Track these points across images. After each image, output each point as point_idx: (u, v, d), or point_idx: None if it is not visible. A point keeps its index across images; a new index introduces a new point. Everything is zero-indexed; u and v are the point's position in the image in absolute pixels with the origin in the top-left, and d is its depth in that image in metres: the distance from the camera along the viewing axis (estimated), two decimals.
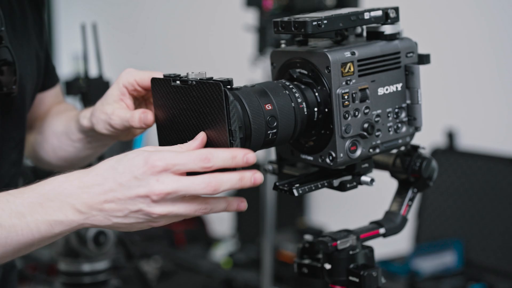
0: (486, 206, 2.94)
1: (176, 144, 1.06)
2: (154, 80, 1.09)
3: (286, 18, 1.11)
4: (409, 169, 1.24)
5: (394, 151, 1.26)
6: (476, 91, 3.07)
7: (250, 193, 3.72)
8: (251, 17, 2.80)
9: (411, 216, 3.13)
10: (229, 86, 0.99)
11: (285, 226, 3.49)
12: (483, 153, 2.97)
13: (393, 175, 1.28)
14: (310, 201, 3.68)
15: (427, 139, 3.11)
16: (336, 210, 3.53)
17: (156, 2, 4.41)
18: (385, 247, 3.20)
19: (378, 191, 3.29)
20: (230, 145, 0.98)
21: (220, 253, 3.75)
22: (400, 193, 1.28)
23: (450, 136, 3.08)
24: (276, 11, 2.56)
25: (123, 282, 2.63)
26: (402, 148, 1.26)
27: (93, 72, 1.76)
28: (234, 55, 3.46)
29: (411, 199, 1.27)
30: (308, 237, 1.27)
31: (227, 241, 3.86)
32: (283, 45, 1.19)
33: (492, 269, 2.87)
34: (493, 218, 2.91)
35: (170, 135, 1.08)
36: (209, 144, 1.01)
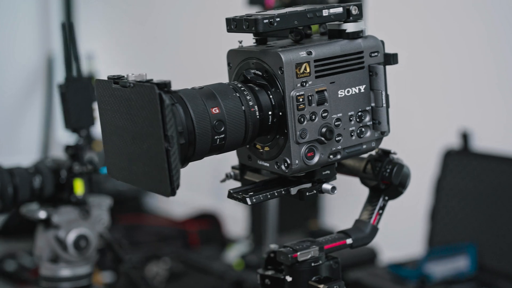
0: (501, 209, 2.84)
1: (120, 148, 1.01)
2: (98, 81, 1.04)
3: (238, 16, 1.05)
4: (379, 175, 1.17)
5: (366, 155, 1.19)
6: (491, 91, 2.98)
7: None
8: None
9: (424, 219, 3.05)
10: (166, 89, 0.93)
11: (297, 228, 3.42)
12: (498, 155, 2.87)
13: (363, 181, 1.21)
14: (324, 203, 3.60)
15: (440, 140, 3.03)
16: (350, 213, 3.44)
17: (161, 1, 4.39)
18: (397, 251, 3.12)
19: None
20: (167, 151, 0.92)
21: (233, 254, 3.70)
22: (371, 201, 1.21)
23: (465, 137, 2.99)
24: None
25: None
26: (374, 153, 1.20)
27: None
28: None
29: (382, 208, 1.20)
30: (273, 246, 1.21)
31: (241, 242, 3.81)
32: (240, 44, 1.13)
33: (506, 275, 2.77)
34: (508, 222, 2.81)
35: (113, 139, 1.03)
36: (147, 150, 0.96)
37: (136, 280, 2.07)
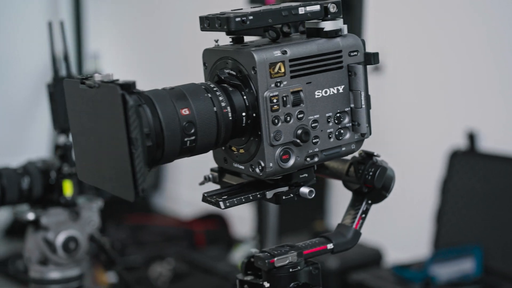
0: (507, 211, 2.80)
1: (88, 150, 0.98)
2: (66, 81, 1.01)
3: (211, 14, 1.02)
4: (362, 178, 1.14)
5: (349, 157, 1.16)
6: (497, 91, 2.93)
7: None
8: None
9: (430, 220, 3.00)
10: (130, 90, 0.90)
11: (302, 229, 3.38)
12: (505, 156, 2.83)
13: (345, 185, 1.17)
14: (331, 204, 3.57)
15: (447, 140, 2.98)
16: None
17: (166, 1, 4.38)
18: (403, 252, 3.08)
19: (403, 193, 3.18)
20: (130, 154, 0.89)
21: (239, 255, 3.67)
22: (354, 205, 1.17)
23: (471, 137, 2.94)
24: None
25: None
26: (357, 155, 1.16)
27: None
28: None
29: (365, 212, 1.16)
30: (253, 250, 1.18)
31: (247, 243, 3.78)
32: (216, 44, 1.10)
33: None
34: None
35: (82, 141, 1.00)
36: (112, 153, 0.93)
37: (129, 282, 2.05)
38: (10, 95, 4.80)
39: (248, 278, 1.15)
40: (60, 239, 1.69)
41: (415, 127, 3.17)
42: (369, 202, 1.16)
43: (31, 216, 1.68)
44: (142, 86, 1.25)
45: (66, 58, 1.69)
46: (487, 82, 2.96)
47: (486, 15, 2.93)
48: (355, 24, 2.30)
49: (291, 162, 1.03)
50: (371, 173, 1.13)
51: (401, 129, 3.20)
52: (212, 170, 1.16)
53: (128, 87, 0.89)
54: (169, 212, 4.42)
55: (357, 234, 1.16)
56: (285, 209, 3.16)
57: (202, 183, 1.17)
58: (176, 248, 3.73)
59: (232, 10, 1.03)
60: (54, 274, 1.72)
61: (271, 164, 1.01)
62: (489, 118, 2.95)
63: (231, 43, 1.08)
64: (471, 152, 2.94)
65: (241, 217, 4.02)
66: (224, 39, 1.11)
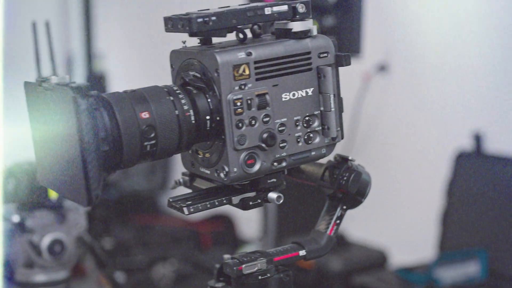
0: None
1: (46, 154, 0.96)
2: (26, 83, 0.99)
3: (175, 15, 0.99)
4: (336, 183, 1.10)
5: (324, 161, 1.13)
6: (504, 93, 2.88)
7: None
8: None
9: (436, 223, 2.96)
10: (83, 93, 0.87)
11: (307, 230, 3.35)
12: (511, 157, 2.78)
13: (320, 190, 1.14)
14: None
15: (453, 142, 2.94)
16: (364, 215, 3.36)
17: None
18: (408, 254, 3.04)
19: (409, 195, 3.14)
20: (83, 159, 0.86)
21: None
22: (329, 210, 1.14)
23: (477, 139, 2.89)
24: None
25: None
26: (333, 160, 1.13)
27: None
28: None
29: (340, 218, 1.13)
30: (226, 256, 1.15)
31: (253, 244, 3.75)
32: (184, 45, 1.07)
33: None
34: None
35: (41, 144, 0.98)
36: (67, 157, 0.90)
37: (122, 284, 2.04)
38: (20, 94, 4.80)
39: (219, 285, 1.13)
40: (45, 242, 1.67)
41: (421, 129, 3.13)
42: (344, 207, 1.13)
43: (16, 218, 1.67)
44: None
45: (52, 59, 1.67)
46: (493, 83, 2.91)
47: (493, 16, 2.89)
48: (353, 24, 2.26)
49: (257, 167, 1.00)
50: (345, 178, 1.10)
51: (407, 131, 3.16)
52: (183, 174, 1.13)
53: (81, 90, 0.86)
54: (176, 212, 4.40)
55: (331, 240, 1.13)
56: (288, 210, 3.13)
57: (173, 188, 1.14)
58: (182, 249, 3.71)
59: (198, 11, 1.00)
60: (40, 277, 1.70)
61: (235, 169, 0.98)
62: (495, 119, 2.90)
63: (199, 44, 1.05)
64: (477, 154, 2.89)
65: (248, 218, 3.99)
66: (194, 40, 1.08)
